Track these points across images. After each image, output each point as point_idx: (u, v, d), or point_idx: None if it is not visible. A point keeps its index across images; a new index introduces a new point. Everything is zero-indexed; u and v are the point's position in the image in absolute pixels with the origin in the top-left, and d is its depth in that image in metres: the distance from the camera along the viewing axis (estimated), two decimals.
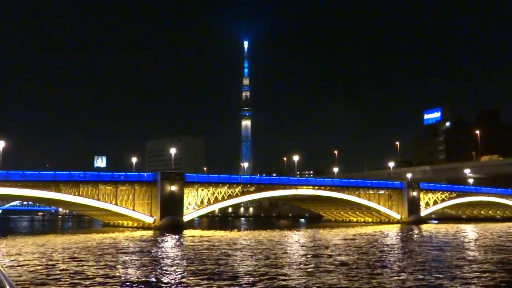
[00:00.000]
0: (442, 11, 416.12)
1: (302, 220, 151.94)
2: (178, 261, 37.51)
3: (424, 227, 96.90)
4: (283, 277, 27.97)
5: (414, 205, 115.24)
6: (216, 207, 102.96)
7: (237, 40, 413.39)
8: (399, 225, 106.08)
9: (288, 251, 45.42)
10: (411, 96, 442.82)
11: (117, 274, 29.74)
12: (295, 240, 61.31)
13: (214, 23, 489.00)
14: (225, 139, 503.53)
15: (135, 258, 39.47)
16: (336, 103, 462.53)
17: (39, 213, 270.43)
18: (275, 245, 51.51)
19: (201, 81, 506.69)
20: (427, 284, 25.88)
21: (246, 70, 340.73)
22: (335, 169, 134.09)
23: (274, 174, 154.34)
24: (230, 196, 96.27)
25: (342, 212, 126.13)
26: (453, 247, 49.34)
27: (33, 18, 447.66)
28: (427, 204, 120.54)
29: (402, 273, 29.75)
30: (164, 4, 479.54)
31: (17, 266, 33.63)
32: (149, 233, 75.21)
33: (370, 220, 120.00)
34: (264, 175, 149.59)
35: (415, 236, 70.97)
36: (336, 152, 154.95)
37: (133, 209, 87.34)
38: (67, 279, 27.38)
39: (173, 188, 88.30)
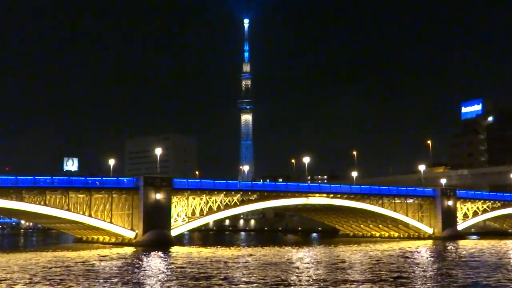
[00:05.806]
0: None
1: (314, 234, 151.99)
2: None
3: (462, 243, 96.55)
4: None
5: (449, 217, 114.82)
6: (210, 219, 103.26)
7: (236, 18, 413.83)
8: (431, 241, 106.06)
9: (298, 273, 44.92)
10: (446, 85, 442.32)
11: None
12: (307, 260, 60.91)
13: None
14: (221, 137, 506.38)
15: (111, 284, 38.95)
16: (355, 94, 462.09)
17: None
18: (282, 266, 51.13)
19: (193, 68, 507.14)
20: None
21: (246, 54, 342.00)
22: (354, 174, 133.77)
23: (280, 180, 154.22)
24: (227, 206, 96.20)
25: (362, 225, 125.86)
26: (499, 269, 48.71)
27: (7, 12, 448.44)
28: (466, 216, 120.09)
29: None
30: None
31: None
32: (129, 251, 75.21)
33: (396, 234, 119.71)
34: (268, 180, 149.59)
35: (451, 255, 70.33)
36: (355, 153, 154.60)
37: (111, 222, 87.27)
38: None
39: (159, 196, 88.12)
